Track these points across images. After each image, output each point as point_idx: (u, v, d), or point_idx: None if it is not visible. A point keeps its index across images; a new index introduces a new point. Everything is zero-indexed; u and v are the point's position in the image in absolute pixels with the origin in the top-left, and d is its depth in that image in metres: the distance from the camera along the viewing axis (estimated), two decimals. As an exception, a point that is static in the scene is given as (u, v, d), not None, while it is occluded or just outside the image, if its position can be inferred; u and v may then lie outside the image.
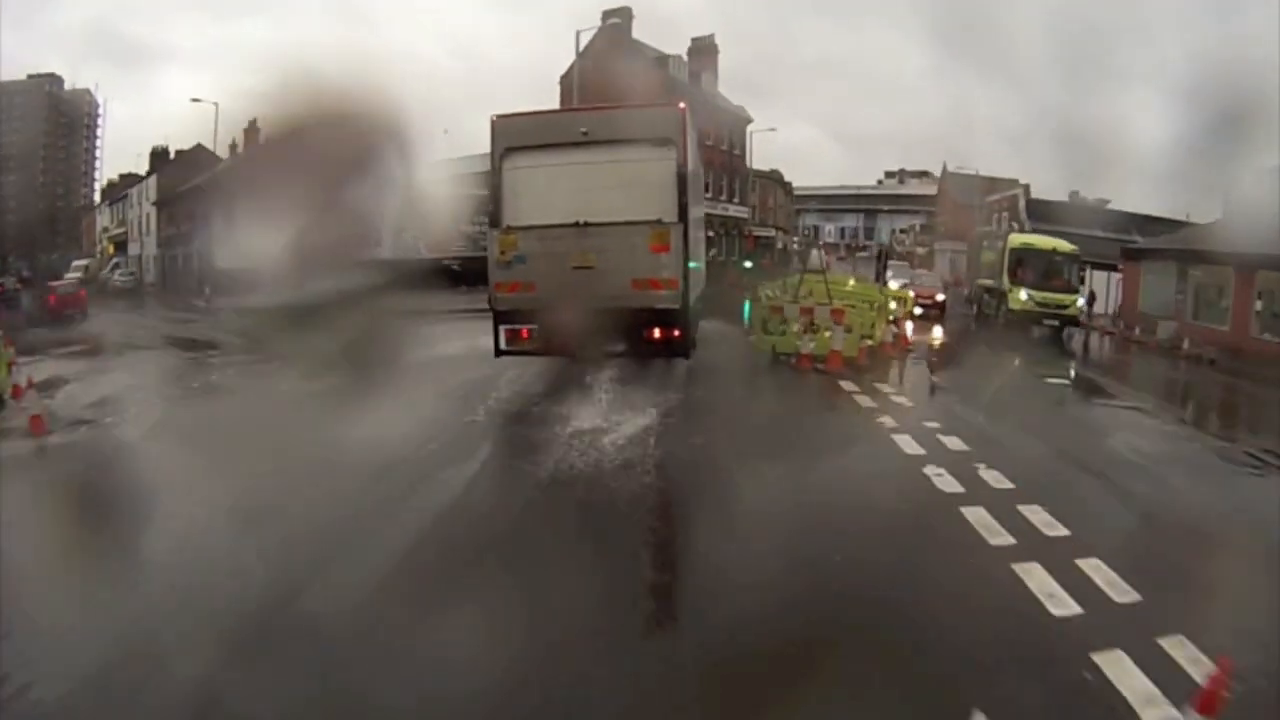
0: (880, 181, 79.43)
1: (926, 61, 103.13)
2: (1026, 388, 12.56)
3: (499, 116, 9.12)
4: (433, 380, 10.36)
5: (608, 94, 36.07)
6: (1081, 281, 20.61)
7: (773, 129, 38.34)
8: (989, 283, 22.96)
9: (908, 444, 7.46)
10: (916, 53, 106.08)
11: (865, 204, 76.77)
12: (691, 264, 9.48)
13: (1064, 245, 20.91)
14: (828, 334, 12.24)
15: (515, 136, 8.96)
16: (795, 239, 69.15)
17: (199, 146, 42.29)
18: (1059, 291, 20.22)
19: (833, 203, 76.56)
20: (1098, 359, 18.59)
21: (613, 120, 9.02)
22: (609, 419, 8.17)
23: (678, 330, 8.87)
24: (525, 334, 9.02)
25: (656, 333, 8.81)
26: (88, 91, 61.76)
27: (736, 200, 40.18)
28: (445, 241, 24.40)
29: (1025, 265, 20.50)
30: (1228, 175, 19.44)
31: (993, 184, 51.99)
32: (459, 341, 12.67)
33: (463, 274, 23.07)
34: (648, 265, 8.63)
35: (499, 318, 9.12)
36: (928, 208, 72.54)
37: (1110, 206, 38.76)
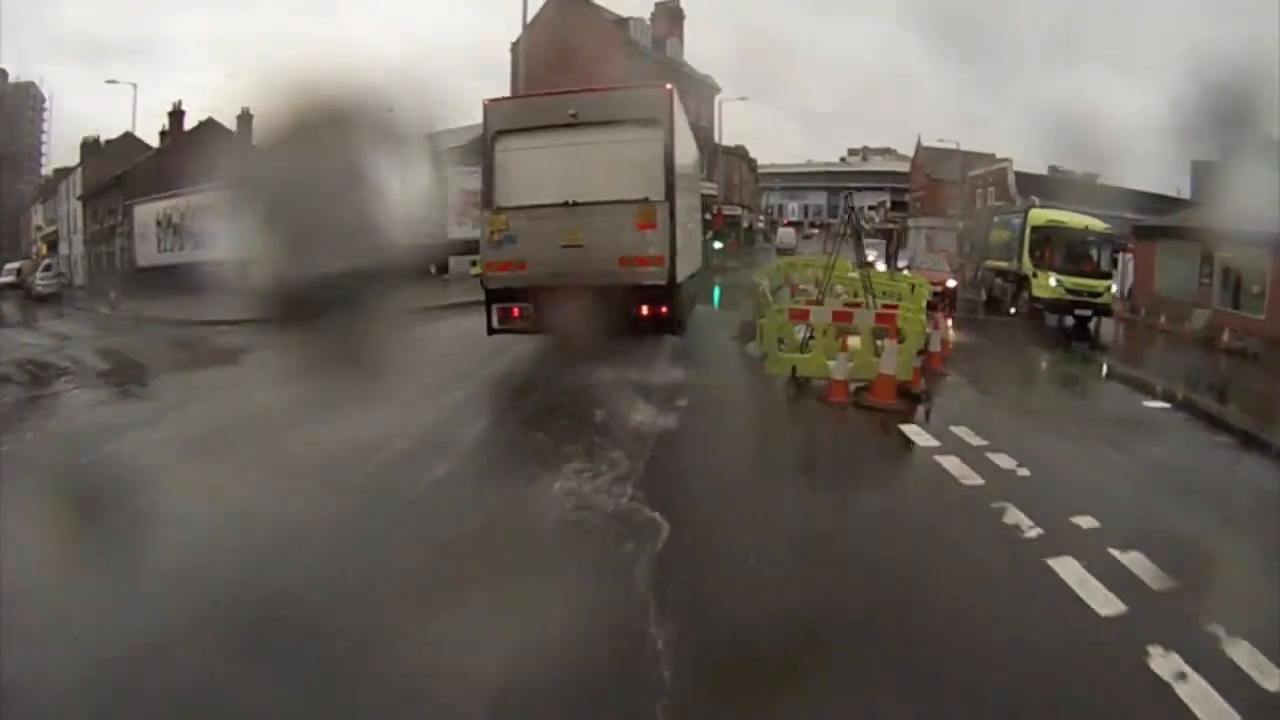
0: (843, 159, 77.47)
1: (886, 39, 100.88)
2: (1137, 420, 9.30)
3: (490, 100, 9.33)
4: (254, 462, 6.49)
5: (563, 58, 32.58)
6: (1114, 265, 18.01)
7: (744, 98, 35.05)
8: (1002, 265, 20.25)
9: (1090, 589, 4.43)
10: (875, 31, 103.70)
11: (829, 181, 74.36)
12: (683, 242, 9.56)
13: (1096, 223, 18.25)
14: (878, 343, 9.25)
15: (506, 119, 9.11)
16: (760, 217, 66.45)
17: (127, 135, 38.27)
18: (1091, 276, 17.57)
19: (796, 180, 74.40)
20: (1151, 359, 16.00)
21: (601, 102, 9.09)
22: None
23: (665, 307, 8.85)
24: (517, 313, 9.03)
25: (645, 310, 8.77)
26: (32, 84, 56.36)
27: (704, 175, 36.95)
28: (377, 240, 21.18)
29: (1052, 246, 17.77)
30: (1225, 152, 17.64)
31: (970, 158, 49.82)
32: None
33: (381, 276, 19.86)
34: (635, 243, 8.64)
35: (491, 296, 9.12)
36: (896, 184, 70.29)
37: (1099, 181, 36.71)
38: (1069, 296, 17.20)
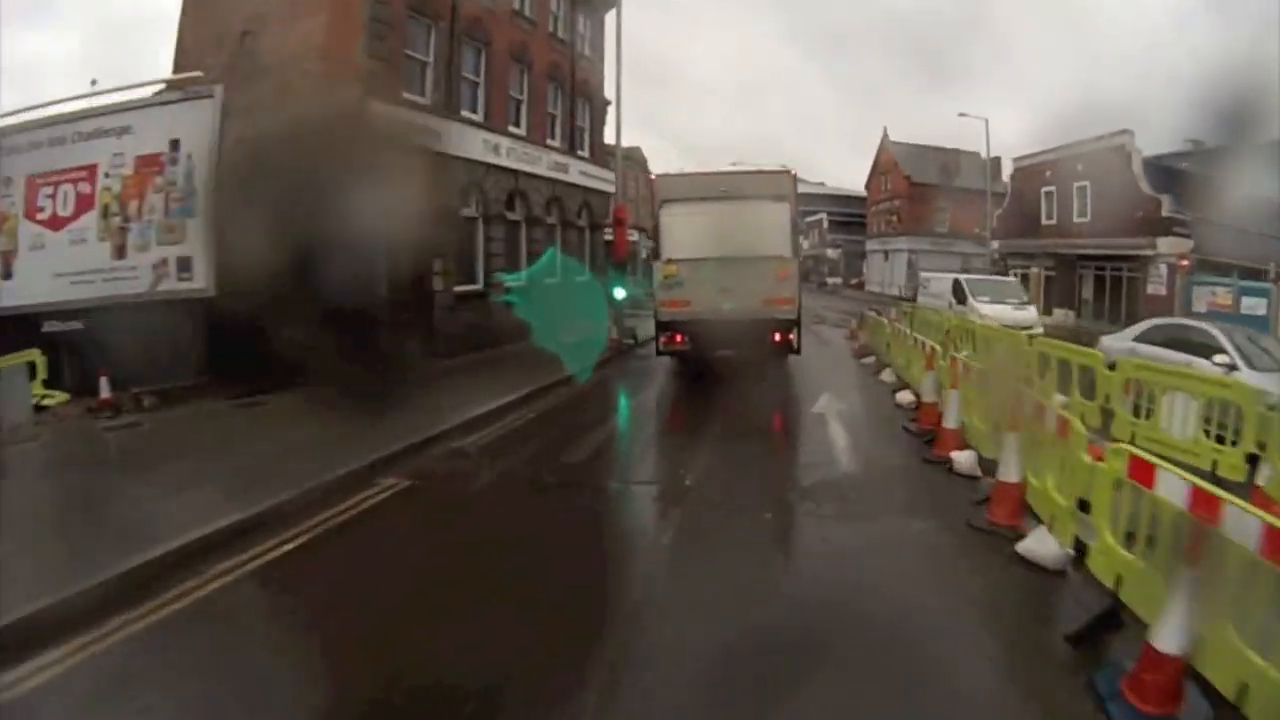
0: (736, 180, 62.01)
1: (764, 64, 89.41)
2: None
3: (658, 175, 11.93)
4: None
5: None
6: None
7: None
8: None
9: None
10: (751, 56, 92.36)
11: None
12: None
13: None
14: None
15: (671, 191, 11.48)
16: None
17: None
18: None
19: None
20: None
21: (744, 181, 11.55)
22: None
23: (793, 335, 11.33)
24: (679, 339, 11.40)
25: (778, 337, 11.15)
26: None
27: (584, 154, 19.42)
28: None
29: None
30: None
31: (958, 157, 35.42)
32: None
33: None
34: (774, 288, 10.99)
35: (660, 327, 11.56)
36: (808, 206, 56.49)
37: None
38: None
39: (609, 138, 19.13)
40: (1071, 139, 21.92)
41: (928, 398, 7.91)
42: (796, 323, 11.43)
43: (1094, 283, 20.80)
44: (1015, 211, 24.56)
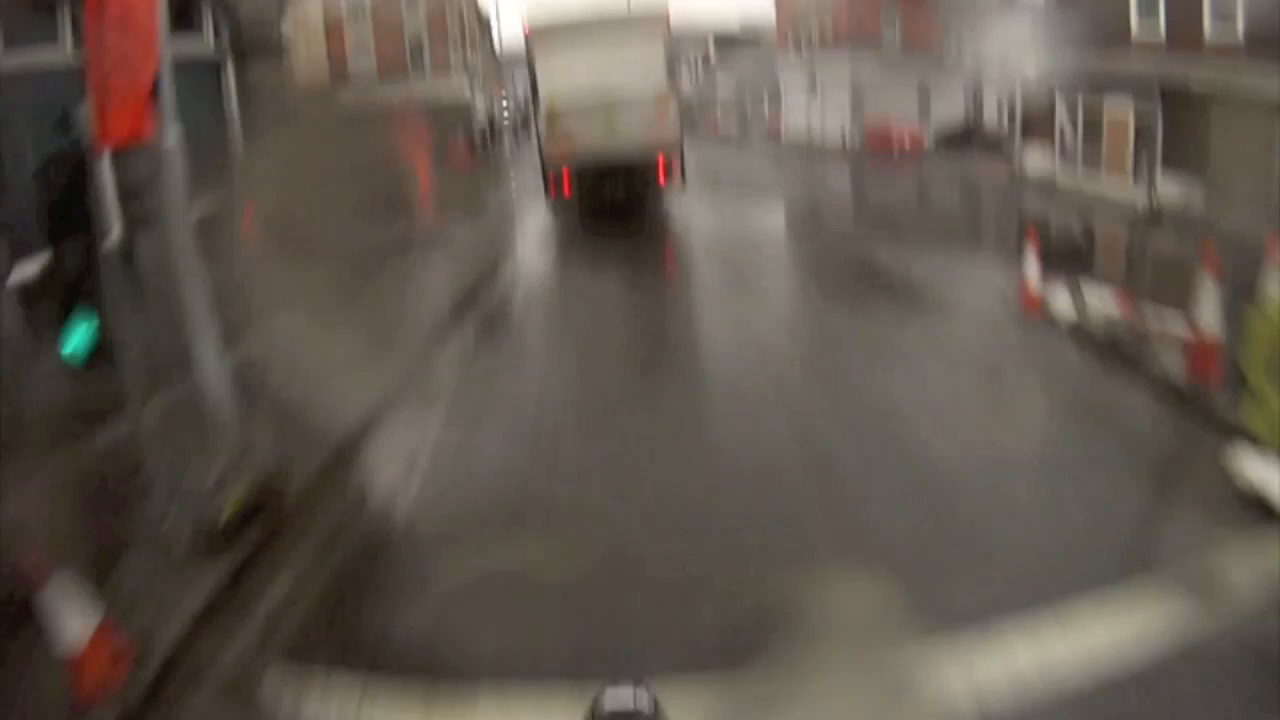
0: None
1: None
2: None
3: (531, 26, 12.22)
4: None
5: None
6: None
7: None
8: None
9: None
10: None
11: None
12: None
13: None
14: None
15: (544, 38, 11.94)
16: (503, 103, 34.93)
17: None
18: None
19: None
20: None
21: (616, 25, 11.86)
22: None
23: (675, 164, 12.49)
24: (565, 181, 12.27)
25: (662, 171, 12.31)
26: None
27: None
28: None
29: None
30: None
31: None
32: None
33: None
34: (654, 124, 11.84)
35: (547, 170, 12.45)
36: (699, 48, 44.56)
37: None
38: None
39: None
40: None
41: None
42: (680, 157, 12.63)
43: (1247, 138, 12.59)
44: (1075, 14, 15.60)
